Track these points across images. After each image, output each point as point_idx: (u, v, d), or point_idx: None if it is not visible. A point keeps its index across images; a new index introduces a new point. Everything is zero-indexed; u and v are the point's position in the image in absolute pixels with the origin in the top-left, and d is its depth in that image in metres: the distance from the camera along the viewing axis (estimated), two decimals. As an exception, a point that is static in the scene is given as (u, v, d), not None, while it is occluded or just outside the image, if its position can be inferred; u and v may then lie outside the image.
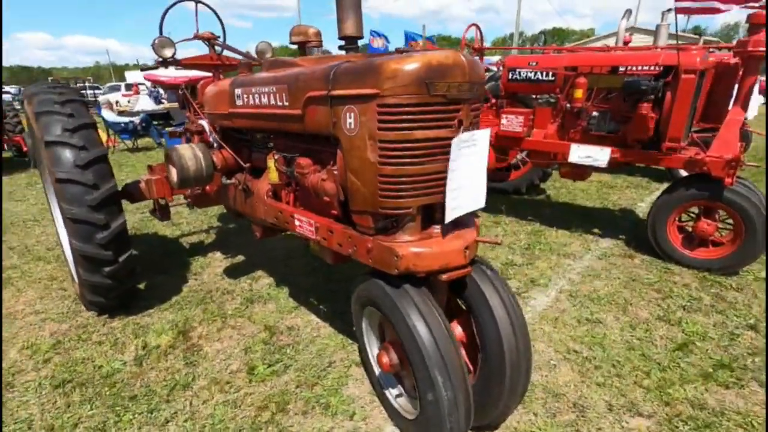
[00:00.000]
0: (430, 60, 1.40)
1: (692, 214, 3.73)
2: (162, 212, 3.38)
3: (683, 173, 4.52)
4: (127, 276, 2.74)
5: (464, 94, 1.47)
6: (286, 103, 1.90)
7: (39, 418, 2.09)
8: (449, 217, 1.57)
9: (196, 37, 3.07)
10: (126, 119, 9.54)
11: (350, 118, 1.57)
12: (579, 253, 3.94)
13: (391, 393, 1.99)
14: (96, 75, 73.49)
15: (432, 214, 1.68)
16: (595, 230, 4.45)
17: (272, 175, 2.25)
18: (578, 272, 3.57)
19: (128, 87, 20.50)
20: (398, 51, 1.61)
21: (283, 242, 4.13)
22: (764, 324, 2.76)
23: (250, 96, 2.17)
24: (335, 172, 1.80)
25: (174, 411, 2.11)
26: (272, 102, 1.99)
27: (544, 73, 4.05)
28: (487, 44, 5.49)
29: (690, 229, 3.61)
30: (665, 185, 3.91)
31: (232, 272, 3.60)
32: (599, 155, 3.76)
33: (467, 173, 1.59)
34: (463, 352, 1.91)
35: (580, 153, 3.87)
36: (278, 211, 2.26)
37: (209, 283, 3.42)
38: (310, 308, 3.03)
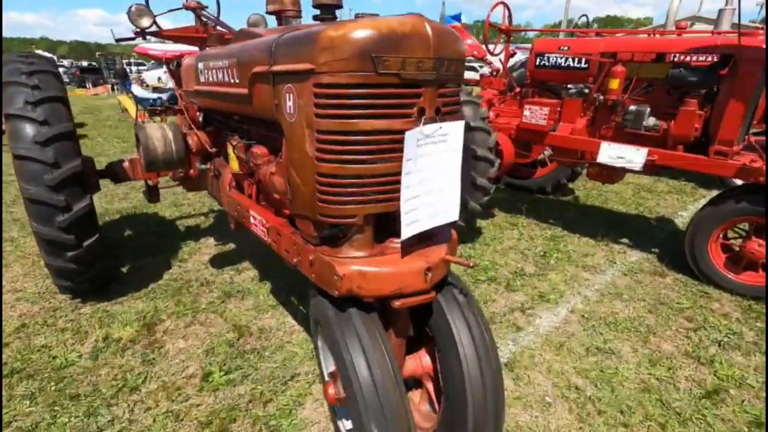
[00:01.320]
0: (379, 27, 1.06)
1: (741, 231, 3.18)
2: (151, 194, 3.21)
3: (737, 182, 3.92)
4: (93, 261, 2.58)
5: (427, 73, 1.13)
6: (237, 81, 1.62)
7: (-24, 410, 1.97)
8: (405, 233, 1.24)
9: (185, 7, 2.82)
10: (155, 95, 9.60)
11: (289, 100, 1.26)
12: (601, 266, 3.48)
13: (344, 425, 1.71)
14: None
15: (390, 224, 1.36)
16: (625, 240, 3.95)
17: (233, 164, 1.98)
18: (597, 289, 3.14)
19: (170, 64, 20.91)
20: (357, 16, 1.28)
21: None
22: (820, 374, 2.27)
23: (209, 71, 1.89)
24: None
25: (112, 418, 1.93)
26: (225, 78, 1.71)
27: (577, 60, 3.56)
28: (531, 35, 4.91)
29: (737, 249, 3.08)
30: (714, 193, 3.37)
31: (219, 261, 3.41)
32: (633, 156, 3.27)
33: (432, 177, 1.25)
34: (430, 386, 1.61)
35: (611, 153, 3.38)
36: (237, 204, 2.00)
37: (191, 272, 3.24)
38: (288, 309, 2.79)
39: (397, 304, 1.32)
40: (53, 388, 2.10)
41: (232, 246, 3.72)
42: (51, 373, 2.20)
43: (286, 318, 2.69)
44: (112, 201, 4.83)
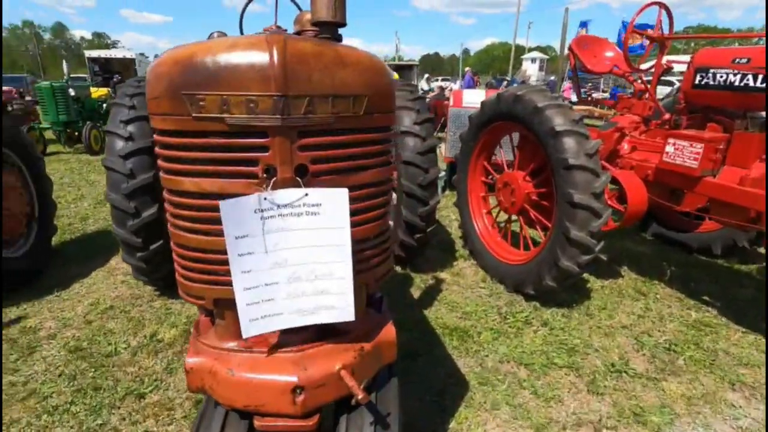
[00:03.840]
0: (193, 54, 0.76)
1: None
2: None
3: None
4: (160, 262, 2.85)
5: (267, 117, 0.77)
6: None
7: (37, 377, 2.33)
8: (248, 330, 0.89)
9: (265, 30, 2.91)
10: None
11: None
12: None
13: None
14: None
15: None
16: (830, 354, 2.54)
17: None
18: (743, 427, 2.04)
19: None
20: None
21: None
22: None
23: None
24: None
25: (104, 422, 2.03)
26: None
27: (761, 78, 2.42)
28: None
29: None
30: None
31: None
32: None
33: (299, 260, 0.87)
34: None
35: (805, 219, 2.18)
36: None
37: (254, 284, 3.35)
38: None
39: (256, 424, 0.97)
40: (90, 374, 2.35)
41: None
42: (98, 359, 2.48)
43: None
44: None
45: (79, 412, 2.09)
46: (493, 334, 2.74)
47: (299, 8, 3.01)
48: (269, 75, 0.74)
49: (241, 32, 2.97)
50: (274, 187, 0.80)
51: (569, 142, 2.58)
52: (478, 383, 2.30)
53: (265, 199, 0.79)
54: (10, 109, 9.13)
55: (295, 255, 0.86)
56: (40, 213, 3.60)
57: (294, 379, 0.93)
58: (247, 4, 2.83)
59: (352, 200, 0.91)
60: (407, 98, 3.20)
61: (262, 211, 0.80)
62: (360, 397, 0.91)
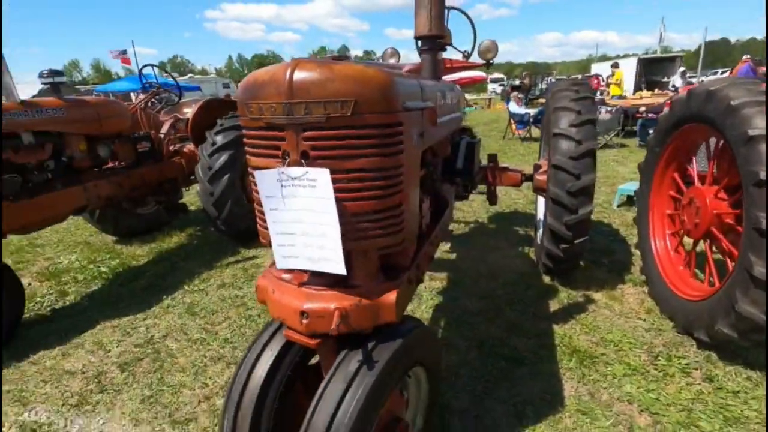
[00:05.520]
0: (253, 77, 1.21)
1: None
2: (489, 197, 3.61)
3: None
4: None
5: (281, 117, 1.14)
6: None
7: (249, 295, 3.42)
8: (280, 264, 1.30)
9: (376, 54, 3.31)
10: (524, 111, 10.50)
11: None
12: None
13: None
14: (584, 68, 79.47)
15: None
16: None
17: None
18: None
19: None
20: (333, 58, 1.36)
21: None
22: None
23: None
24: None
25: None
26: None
27: None
28: None
29: None
30: None
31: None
32: None
33: (307, 220, 1.22)
34: None
35: None
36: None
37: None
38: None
39: (284, 332, 1.38)
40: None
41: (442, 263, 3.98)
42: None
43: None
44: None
45: (261, 323, 3.01)
46: (625, 369, 2.37)
47: (473, 29, 3.21)
48: (283, 90, 1.10)
49: (419, 53, 3.42)
50: (288, 166, 1.17)
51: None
52: (576, 410, 2.10)
53: (282, 172, 1.17)
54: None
55: (304, 215, 1.21)
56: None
57: (302, 305, 1.29)
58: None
59: (347, 180, 1.20)
60: (570, 98, 3.00)
61: (281, 181, 1.19)
62: (332, 327, 1.20)
